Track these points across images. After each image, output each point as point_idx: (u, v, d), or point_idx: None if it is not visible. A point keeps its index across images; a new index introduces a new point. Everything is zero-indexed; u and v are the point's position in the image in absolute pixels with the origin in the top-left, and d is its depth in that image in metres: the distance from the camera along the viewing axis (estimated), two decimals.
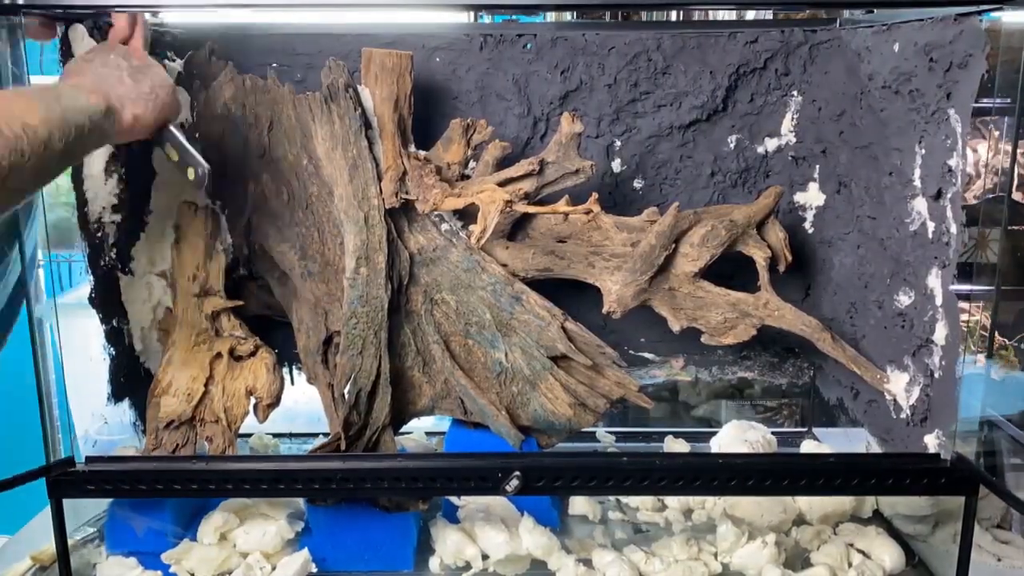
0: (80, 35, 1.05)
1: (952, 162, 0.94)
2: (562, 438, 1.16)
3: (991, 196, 0.95)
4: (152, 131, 0.95)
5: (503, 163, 1.13)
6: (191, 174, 1.00)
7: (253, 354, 1.16)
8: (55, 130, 0.76)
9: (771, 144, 1.28)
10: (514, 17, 1.74)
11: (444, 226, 1.13)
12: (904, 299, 1.07)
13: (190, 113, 1.21)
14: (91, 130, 0.82)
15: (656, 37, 1.23)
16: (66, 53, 1.05)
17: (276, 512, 1.11)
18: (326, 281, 1.15)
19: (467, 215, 1.13)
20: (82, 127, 0.80)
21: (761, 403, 1.65)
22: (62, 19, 1.03)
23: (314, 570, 1.06)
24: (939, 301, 0.99)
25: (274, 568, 1.05)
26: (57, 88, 0.87)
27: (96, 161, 1.11)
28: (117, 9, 1.02)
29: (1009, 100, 0.88)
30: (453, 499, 1.13)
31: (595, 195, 1.04)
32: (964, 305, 0.97)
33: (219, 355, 1.14)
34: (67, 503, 0.96)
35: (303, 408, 1.33)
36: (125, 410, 1.22)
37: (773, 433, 1.30)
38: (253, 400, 1.13)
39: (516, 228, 1.17)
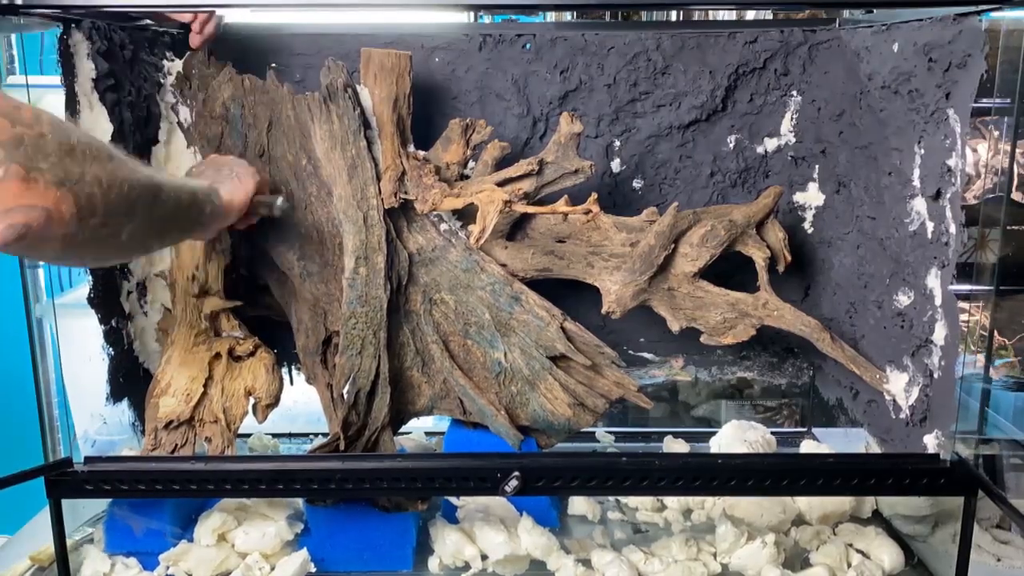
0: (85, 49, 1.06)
1: (951, 162, 0.94)
2: (561, 438, 1.16)
3: (990, 196, 0.95)
4: (245, 206, 1.02)
5: (502, 163, 1.13)
6: (279, 209, 1.07)
7: (252, 354, 1.16)
8: (181, 188, 0.87)
9: (770, 144, 1.28)
10: (514, 17, 1.74)
11: (443, 226, 1.13)
12: (903, 299, 1.07)
13: (189, 114, 1.21)
14: (203, 200, 0.92)
15: (656, 37, 1.23)
16: (65, 54, 1.05)
17: (275, 513, 1.11)
18: (325, 281, 1.15)
19: (466, 215, 1.13)
20: (195, 193, 0.91)
21: (761, 403, 1.65)
22: (62, 19, 1.03)
23: (313, 570, 1.06)
24: (938, 301, 0.99)
25: (273, 568, 1.05)
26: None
27: None
28: (118, 9, 1.03)
29: (1008, 100, 0.88)
30: (452, 499, 1.13)
31: (594, 195, 1.04)
32: (964, 305, 0.97)
33: (218, 355, 1.14)
34: (66, 503, 0.96)
35: (302, 408, 1.33)
36: (124, 410, 1.22)
37: (773, 433, 1.31)
38: (252, 400, 1.13)
39: (515, 228, 1.17)
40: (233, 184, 1.01)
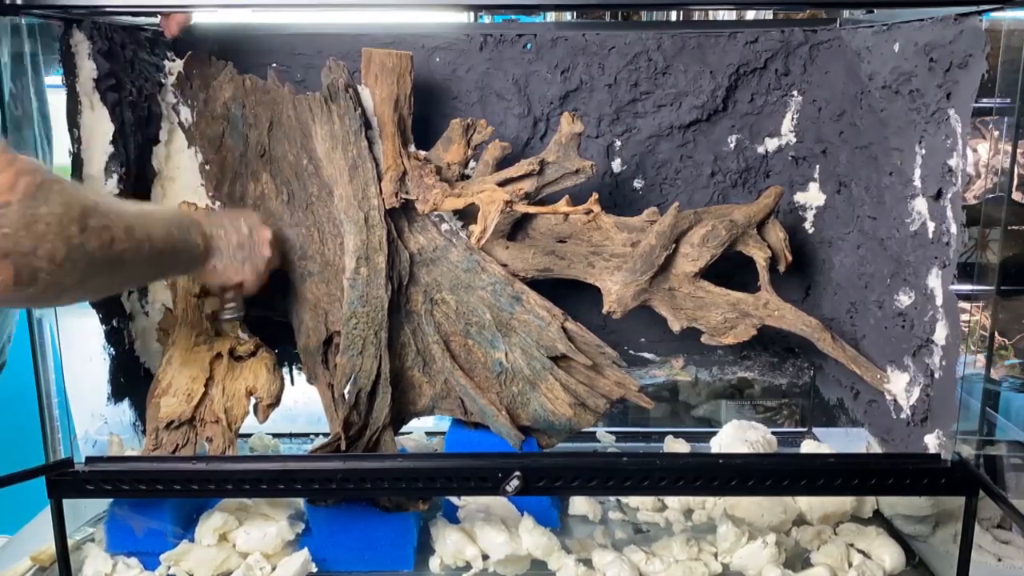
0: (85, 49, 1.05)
1: (952, 162, 0.94)
2: (562, 438, 1.16)
3: (991, 196, 0.94)
4: (222, 283, 1.04)
5: (503, 163, 1.13)
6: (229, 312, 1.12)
7: (253, 354, 1.16)
8: (167, 249, 0.88)
9: (771, 144, 1.28)
10: (514, 17, 1.74)
11: (444, 226, 1.13)
12: (904, 299, 1.07)
13: (190, 114, 1.21)
14: (187, 263, 0.95)
15: (656, 37, 1.23)
16: (66, 54, 1.05)
17: (276, 513, 1.11)
18: (326, 281, 1.15)
19: (467, 215, 1.13)
20: (180, 258, 0.93)
21: (761, 403, 1.65)
22: (62, 19, 1.03)
23: (314, 570, 1.06)
24: (939, 301, 0.99)
25: (274, 568, 1.05)
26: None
27: (96, 161, 1.11)
28: (117, 9, 1.03)
29: (1009, 100, 0.88)
30: (453, 499, 1.13)
31: (595, 195, 1.04)
32: (964, 305, 0.97)
33: (219, 355, 1.14)
34: (67, 503, 0.96)
35: (303, 408, 1.33)
36: (125, 410, 1.22)
37: (773, 433, 1.31)
38: (253, 400, 1.13)
39: (516, 228, 1.17)
40: (227, 267, 1.01)
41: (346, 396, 1.08)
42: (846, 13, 1.22)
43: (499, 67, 1.25)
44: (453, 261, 1.12)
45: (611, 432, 1.43)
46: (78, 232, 0.72)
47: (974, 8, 0.89)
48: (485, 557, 1.07)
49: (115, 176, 1.13)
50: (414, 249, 1.12)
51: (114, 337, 1.19)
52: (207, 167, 1.22)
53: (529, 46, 1.24)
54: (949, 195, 0.96)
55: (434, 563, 1.07)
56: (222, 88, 1.17)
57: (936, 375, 1.01)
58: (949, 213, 0.96)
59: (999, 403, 1.13)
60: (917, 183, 1.03)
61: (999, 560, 1.08)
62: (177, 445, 1.09)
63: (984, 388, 0.97)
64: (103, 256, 0.76)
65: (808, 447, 1.33)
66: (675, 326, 1.12)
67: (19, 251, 0.68)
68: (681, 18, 1.58)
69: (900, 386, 1.08)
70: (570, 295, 1.18)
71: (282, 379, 1.16)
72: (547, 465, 0.94)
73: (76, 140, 1.08)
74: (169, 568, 1.06)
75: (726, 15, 1.65)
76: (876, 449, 1.18)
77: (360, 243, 1.08)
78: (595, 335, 1.12)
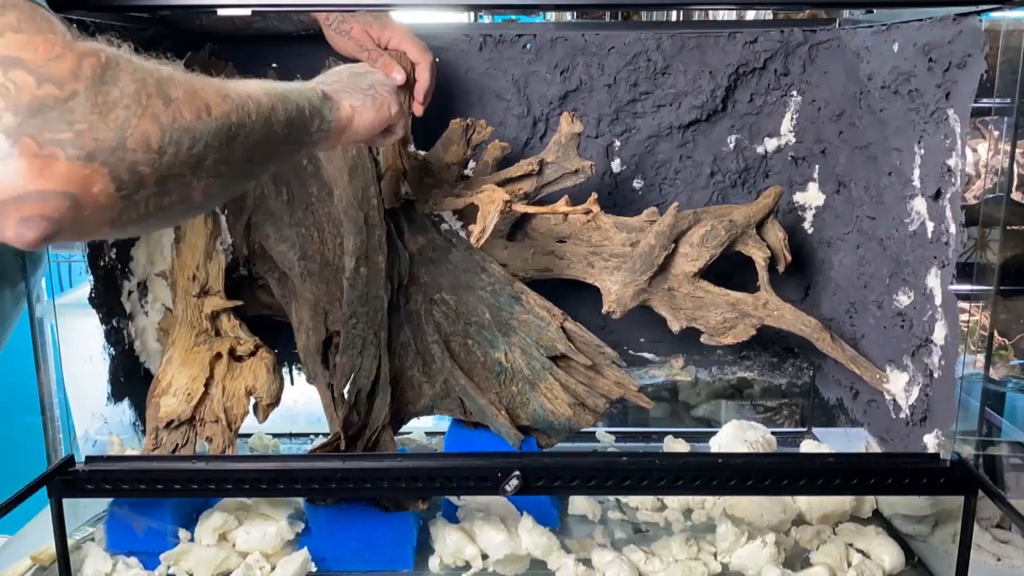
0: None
1: (951, 162, 0.94)
2: (562, 438, 1.16)
3: (990, 196, 0.95)
4: (373, 130, 0.89)
5: (503, 163, 1.13)
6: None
7: (253, 354, 1.16)
8: (277, 102, 0.71)
9: (771, 144, 1.28)
10: (514, 17, 1.74)
11: (444, 226, 1.14)
12: (903, 299, 1.08)
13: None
14: (312, 114, 0.77)
15: (656, 37, 1.23)
16: None
17: (276, 512, 1.11)
18: (326, 281, 1.15)
19: (467, 215, 1.13)
20: (302, 108, 0.76)
21: (761, 403, 1.65)
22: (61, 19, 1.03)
23: (314, 570, 1.06)
24: (938, 301, 0.99)
25: (274, 568, 1.05)
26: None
27: None
28: (119, 10, 1.03)
29: (1008, 100, 0.88)
30: (453, 499, 1.13)
31: (595, 195, 1.04)
32: (964, 305, 0.97)
33: (219, 355, 1.14)
34: (67, 503, 0.96)
35: (303, 408, 1.33)
36: (125, 410, 1.22)
37: (773, 433, 1.30)
38: (253, 400, 1.13)
39: (515, 228, 1.17)
40: (365, 103, 0.86)
41: (346, 396, 1.08)
42: (845, 13, 1.22)
43: (499, 67, 1.25)
44: (453, 261, 1.12)
45: (611, 432, 1.43)
46: (163, 106, 0.57)
47: (973, 8, 0.89)
48: (484, 557, 1.07)
49: None
50: (414, 249, 1.12)
51: (114, 337, 1.19)
52: None
53: (529, 46, 1.24)
54: (948, 195, 0.96)
55: (433, 562, 1.07)
56: None
57: (935, 375, 1.01)
58: (948, 213, 0.96)
59: (1005, 405, 1.12)
60: (916, 183, 1.03)
61: (998, 560, 1.08)
62: (177, 445, 1.09)
63: (984, 388, 0.97)
64: (205, 127, 0.60)
65: (808, 447, 1.33)
66: (674, 326, 1.12)
67: (106, 146, 0.53)
68: (681, 18, 1.58)
69: (899, 386, 1.09)
70: (569, 295, 1.18)
71: (282, 379, 1.16)
72: (547, 465, 0.94)
73: None
74: (169, 568, 1.06)
75: (726, 15, 1.65)
76: (875, 449, 1.18)
77: (360, 243, 1.08)
78: (595, 335, 1.13)
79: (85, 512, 1.16)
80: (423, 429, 1.39)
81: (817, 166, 1.28)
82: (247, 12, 1.17)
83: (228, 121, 0.63)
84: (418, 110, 1.07)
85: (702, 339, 1.13)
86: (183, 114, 0.58)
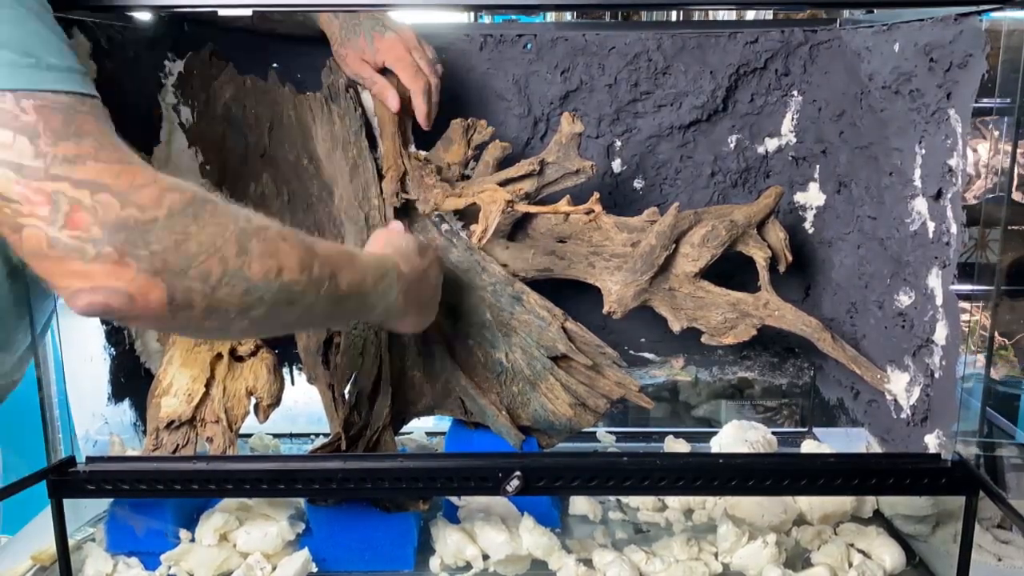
0: (85, 49, 1.05)
1: (952, 162, 0.94)
2: (562, 438, 1.16)
3: (991, 196, 0.95)
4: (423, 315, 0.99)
5: (503, 163, 1.13)
6: None
7: (254, 354, 1.16)
8: (356, 294, 0.80)
9: (771, 144, 1.28)
10: (514, 17, 1.74)
11: (444, 226, 1.13)
12: (904, 299, 1.07)
13: (191, 114, 1.21)
14: (374, 317, 0.88)
15: (656, 37, 1.23)
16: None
17: (277, 512, 1.11)
18: None
19: (467, 215, 1.13)
20: (375, 310, 0.85)
21: (761, 403, 1.65)
22: (62, 19, 1.03)
23: (314, 570, 1.06)
24: (939, 301, 0.99)
25: (275, 568, 1.05)
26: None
27: None
28: (119, 9, 1.03)
29: (1009, 100, 0.88)
30: (453, 499, 1.13)
31: (596, 195, 1.04)
32: (964, 305, 0.97)
33: (220, 355, 1.14)
34: (67, 503, 0.96)
35: (303, 408, 1.33)
36: (125, 410, 1.22)
37: (773, 433, 1.30)
38: (254, 400, 1.13)
39: (516, 228, 1.17)
40: (416, 319, 0.96)
41: (346, 396, 1.08)
42: (846, 13, 1.22)
43: (499, 67, 1.25)
44: (453, 261, 1.12)
45: (611, 432, 1.43)
46: (235, 254, 0.66)
47: (974, 8, 0.89)
48: (485, 557, 1.07)
49: None
50: None
51: (114, 337, 1.19)
52: (207, 167, 1.22)
53: (529, 46, 1.24)
54: (949, 195, 0.96)
55: (434, 563, 1.07)
56: (223, 88, 1.18)
57: (936, 375, 1.01)
58: (949, 213, 0.96)
59: (1012, 405, 1.12)
60: (917, 183, 1.03)
61: (999, 560, 1.08)
62: (177, 445, 1.09)
63: (985, 387, 0.97)
64: (267, 286, 0.69)
65: (808, 447, 1.34)
66: (675, 326, 1.12)
67: (170, 269, 0.63)
68: (681, 18, 1.58)
69: (900, 386, 1.09)
70: (570, 295, 1.18)
71: (282, 379, 1.16)
72: (547, 465, 0.94)
73: None
74: (170, 568, 1.06)
75: (726, 15, 1.65)
76: (876, 449, 1.18)
77: (360, 243, 1.08)
78: (595, 335, 1.13)
79: (86, 512, 1.16)
80: (424, 429, 1.39)
81: (818, 166, 1.28)
82: (247, 12, 1.18)
83: (293, 289, 0.71)
84: (426, 126, 1.12)
85: (703, 339, 1.12)
86: (251, 267, 0.67)
